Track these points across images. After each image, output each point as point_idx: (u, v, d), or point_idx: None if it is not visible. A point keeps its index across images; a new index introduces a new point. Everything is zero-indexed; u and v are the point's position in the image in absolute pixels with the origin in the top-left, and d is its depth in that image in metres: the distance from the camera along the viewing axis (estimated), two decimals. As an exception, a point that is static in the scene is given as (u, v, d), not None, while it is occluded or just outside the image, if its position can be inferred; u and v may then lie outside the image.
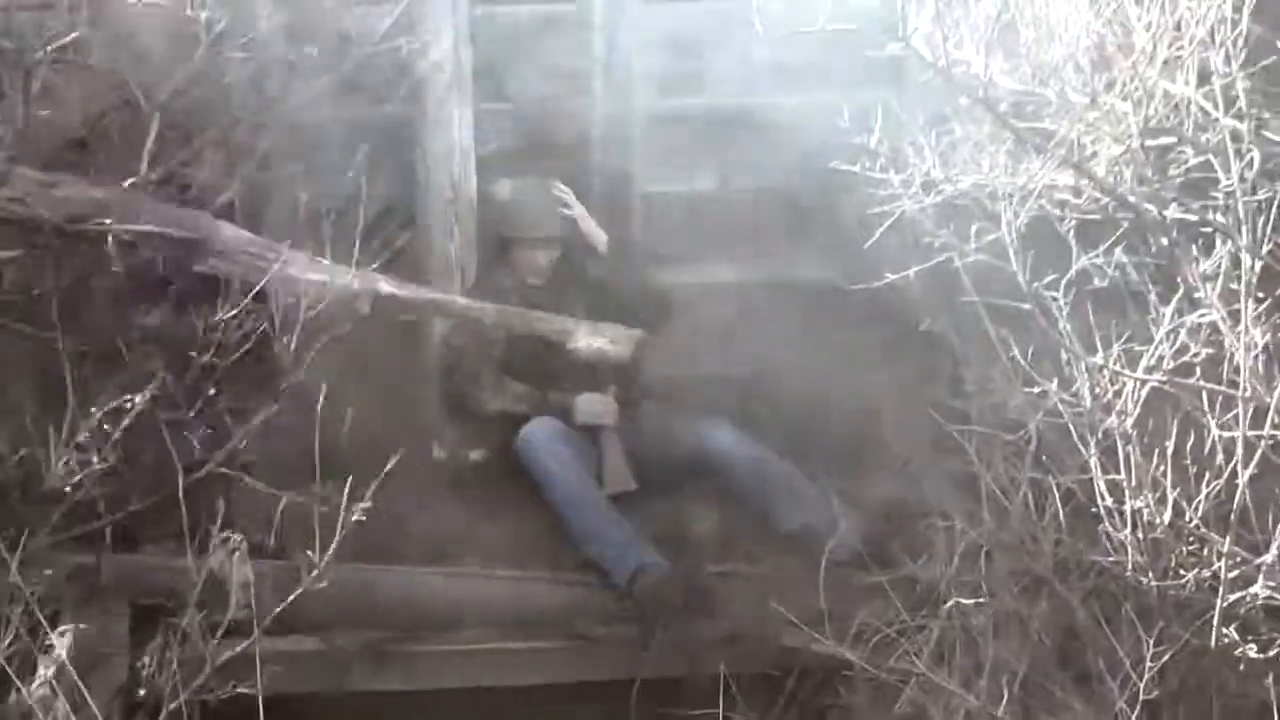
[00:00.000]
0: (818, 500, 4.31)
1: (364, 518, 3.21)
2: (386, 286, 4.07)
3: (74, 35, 3.50)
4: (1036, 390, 3.06)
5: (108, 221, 3.43)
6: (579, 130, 4.74)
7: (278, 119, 4.14)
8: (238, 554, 3.27)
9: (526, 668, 4.15)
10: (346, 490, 3.34)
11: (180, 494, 3.46)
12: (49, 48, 3.40)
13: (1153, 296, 2.77)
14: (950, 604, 3.26)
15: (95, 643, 3.83)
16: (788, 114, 4.63)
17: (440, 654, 4.13)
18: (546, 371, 4.37)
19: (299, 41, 4.12)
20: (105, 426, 3.03)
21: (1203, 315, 2.69)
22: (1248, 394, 2.49)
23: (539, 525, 4.30)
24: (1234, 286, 2.59)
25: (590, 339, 4.21)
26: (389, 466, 3.51)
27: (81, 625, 3.67)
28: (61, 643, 3.22)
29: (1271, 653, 2.68)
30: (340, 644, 4.03)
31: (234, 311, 3.48)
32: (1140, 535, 2.75)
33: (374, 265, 4.14)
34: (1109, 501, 2.88)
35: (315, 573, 3.10)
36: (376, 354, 4.34)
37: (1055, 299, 2.80)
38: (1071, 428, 2.92)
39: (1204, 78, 2.82)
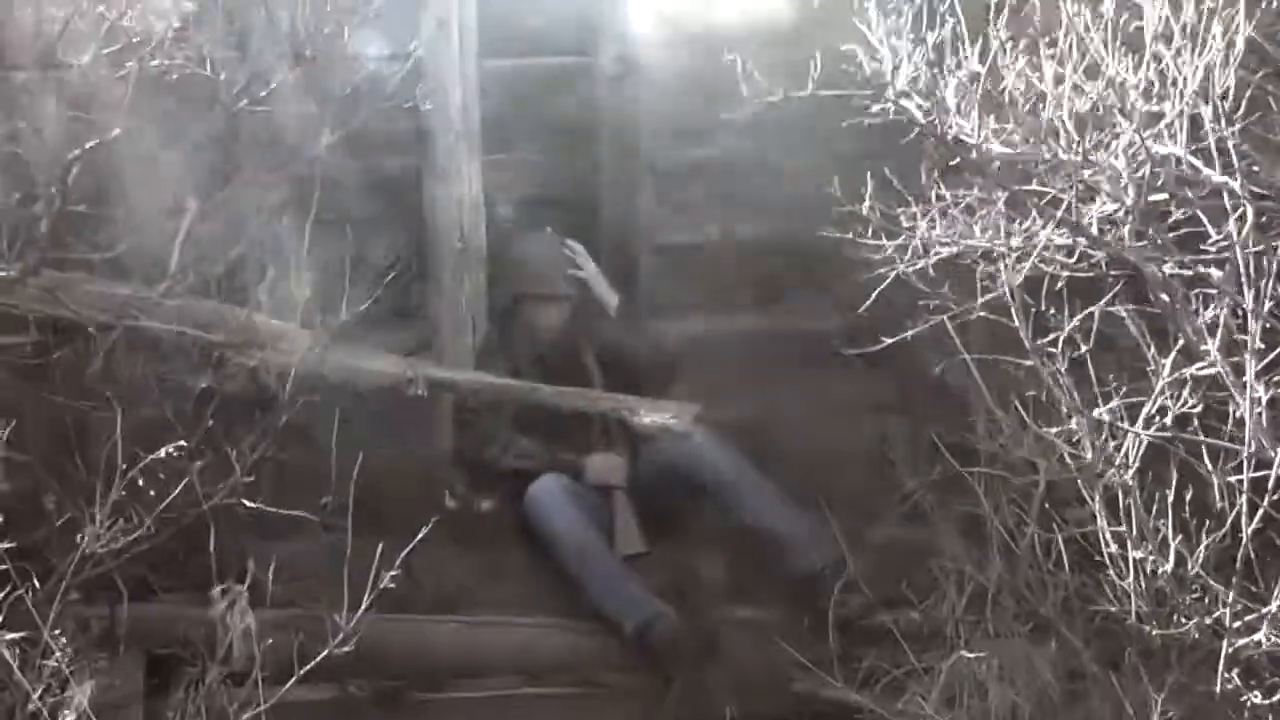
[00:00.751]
0: (825, 538, 4.29)
1: (393, 584, 3.22)
2: (437, 372, 4.24)
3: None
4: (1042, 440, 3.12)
5: (138, 319, 3.46)
6: (587, 182, 4.80)
7: (292, 174, 4.20)
8: (238, 604, 3.30)
9: (538, 715, 4.18)
10: (377, 549, 3.34)
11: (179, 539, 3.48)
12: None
13: (1152, 351, 2.81)
14: (958, 652, 3.29)
15: (110, 694, 3.88)
16: (788, 168, 4.72)
17: (452, 701, 4.16)
18: (557, 429, 4.42)
19: (312, 97, 4.17)
20: (140, 483, 3.04)
21: (1201, 368, 2.74)
22: (1252, 450, 2.54)
23: (549, 573, 4.34)
24: (1236, 338, 2.63)
25: (653, 415, 4.26)
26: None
27: (98, 676, 3.72)
28: (83, 692, 3.24)
29: (1276, 698, 2.71)
30: (353, 691, 4.06)
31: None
32: (1143, 584, 2.79)
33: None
34: (1113, 549, 2.91)
35: (342, 635, 3.07)
36: (390, 404, 4.42)
37: (1053, 354, 2.84)
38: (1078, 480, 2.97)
39: (1197, 130, 2.86)
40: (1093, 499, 2.91)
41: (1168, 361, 2.78)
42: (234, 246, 3.99)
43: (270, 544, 4.08)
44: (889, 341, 3.57)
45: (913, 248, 3.23)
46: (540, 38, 4.73)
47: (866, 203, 3.30)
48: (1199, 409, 2.76)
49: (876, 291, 3.41)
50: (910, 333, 3.57)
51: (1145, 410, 2.87)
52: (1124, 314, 2.82)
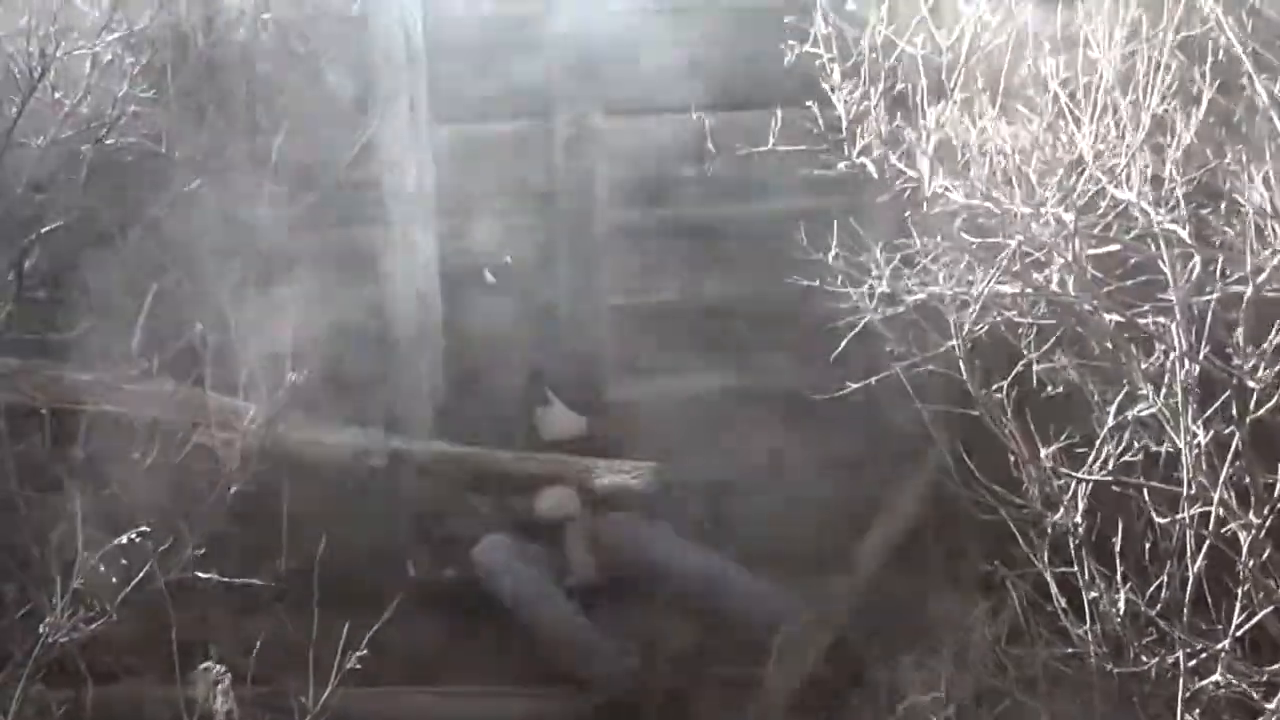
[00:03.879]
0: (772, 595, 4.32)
1: (359, 665, 3.20)
2: (397, 443, 4.28)
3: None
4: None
5: (97, 405, 3.46)
6: (544, 245, 4.82)
7: (247, 247, 4.20)
8: (220, 686, 3.27)
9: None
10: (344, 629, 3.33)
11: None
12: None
13: (1096, 397, 2.84)
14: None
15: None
16: (749, 224, 4.75)
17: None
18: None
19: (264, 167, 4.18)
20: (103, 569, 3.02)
21: (1143, 410, 2.77)
22: (1192, 491, 2.57)
23: (516, 638, 4.33)
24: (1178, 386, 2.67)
25: (612, 476, 4.28)
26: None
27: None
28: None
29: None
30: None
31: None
32: (1098, 627, 2.81)
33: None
34: (1063, 602, 2.94)
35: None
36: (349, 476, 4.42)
37: (1002, 403, 2.87)
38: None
39: (1150, 177, 2.90)
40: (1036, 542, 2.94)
41: (1111, 409, 2.81)
42: (193, 324, 3.99)
43: (235, 621, 4.09)
44: (854, 387, 3.58)
45: (879, 295, 3.25)
46: (493, 102, 4.74)
47: (832, 251, 3.32)
48: (1142, 454, 2.79)
49: (846, 340, 3.44)
50: (874, 378, 3.59)
51: (1091, 457, 2.90)
52: (1063, 363, 2.84)
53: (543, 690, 4.23)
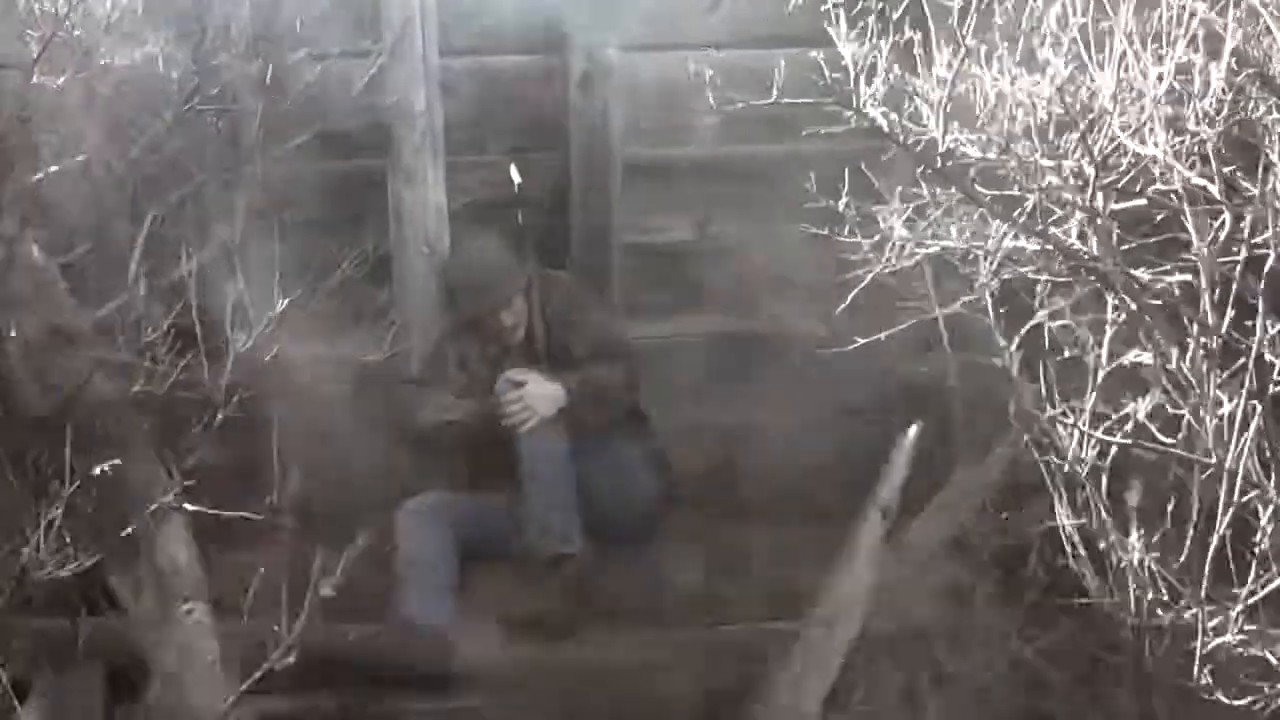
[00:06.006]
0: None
1: (332, 592, 3.15)
2: None
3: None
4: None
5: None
6: (556, 182, 4.74)
7: (251, 176, 4.13)
8: (201, 625, 3.23)
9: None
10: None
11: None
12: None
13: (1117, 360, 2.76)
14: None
15: (69, 710, 3.81)
16: (763, 164, 4.66)
17: (418, 713, 4.08)
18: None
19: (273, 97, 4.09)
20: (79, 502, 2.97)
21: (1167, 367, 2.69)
22: (1212, 460, 2.49)
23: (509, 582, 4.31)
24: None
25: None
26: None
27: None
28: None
29: (1247, 701, 2.67)
30: (314, 705, 3.99)
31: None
32: (1111, 578, 2.75)
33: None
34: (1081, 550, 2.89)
35: (281, 649, 2.99)
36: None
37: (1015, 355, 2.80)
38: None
39: (1176, 130, 2.80)
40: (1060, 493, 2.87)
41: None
42: (193, 251, 3.92)
43: (222, 552, 4.05)
44: (862, 341, 3.52)
45: (890, 247, 3.17)
46: (507, 36, 4.64)
47: (843, 200, 3.24)
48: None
49: (855, 292, 3.37)
50: (885, 333, 3.52)
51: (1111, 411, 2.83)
52: (1075, 324, 2.75)
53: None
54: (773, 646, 3.90)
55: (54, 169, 3.44)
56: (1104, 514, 2.79)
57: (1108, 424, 2.71)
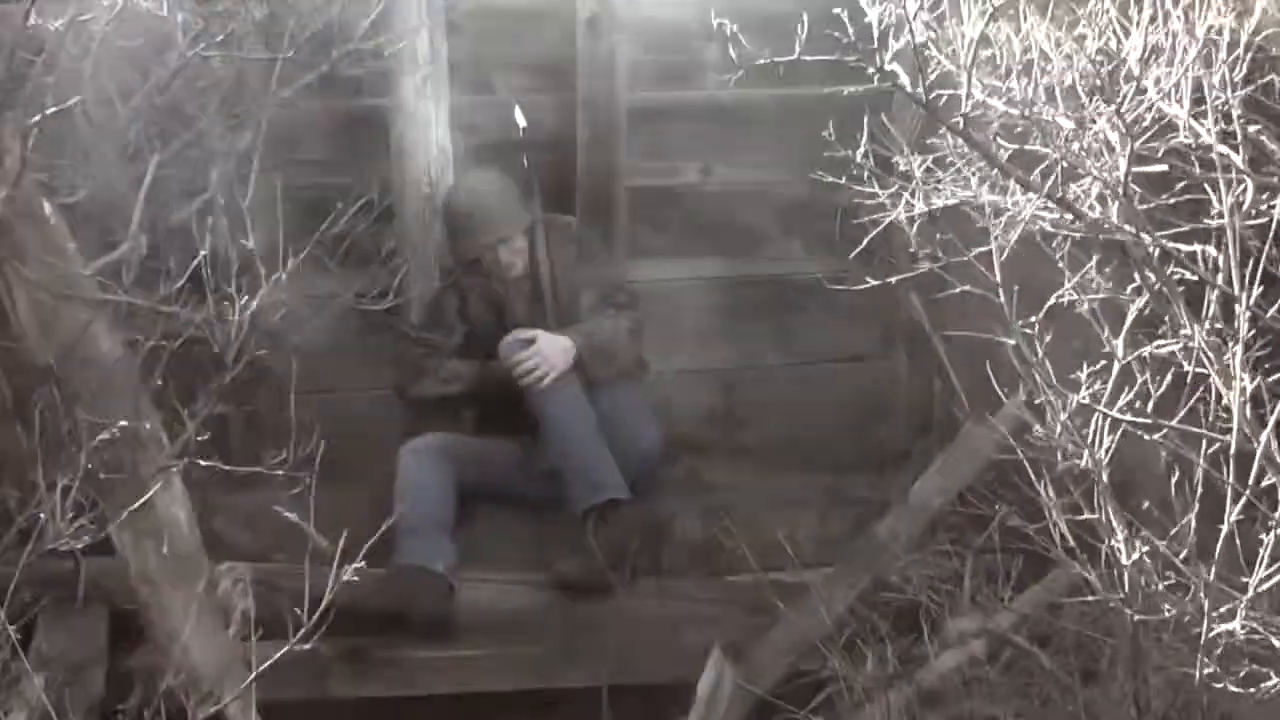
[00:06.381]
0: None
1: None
2: None
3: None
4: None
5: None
6: (561, 123, 4.68)
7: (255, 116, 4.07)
8: (240, 585, 3.22)
9: (505, 673, 4.14)
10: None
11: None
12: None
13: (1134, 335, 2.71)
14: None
15: (72, 653, 3.82)
16: (774, 108, 4.61)
17: (421, 660, 4.12)
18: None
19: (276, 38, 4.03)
20: (90, 466, 2.94)
21: (1188, 342, 2.65)
22: (1234, 440, 2.46)
23: (518, 529, 4.33)
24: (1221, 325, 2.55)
25: None
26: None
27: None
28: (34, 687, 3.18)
29: (1252, 691, 2.66)
30: (320, 649, 3.99)
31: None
32: (1115, 572, 2.72)
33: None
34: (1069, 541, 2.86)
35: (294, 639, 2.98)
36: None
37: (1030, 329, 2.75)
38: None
39: (1199, 99, 2.76)
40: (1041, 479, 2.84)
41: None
42: (196, 194, 3.88)
43: (237, 496, 4.05)
44: (873, 283, 3.47)
45: (906, 198, 3.12)
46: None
47: (861, 149, 3.18)
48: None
49: (869, 238, 3.32)
50: (897, 278, 3.48)
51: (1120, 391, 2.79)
52: (1087, 301, 2.71)
53: (541, 579, 4.21)
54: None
55: (52, 110, 3.36)
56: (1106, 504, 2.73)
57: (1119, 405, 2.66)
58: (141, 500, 3.13)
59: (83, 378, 3.22)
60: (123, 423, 3.00)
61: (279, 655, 2.87)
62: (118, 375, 3.30)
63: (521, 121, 4.52)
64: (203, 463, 3.34)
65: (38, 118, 3.27)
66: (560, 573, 4.16)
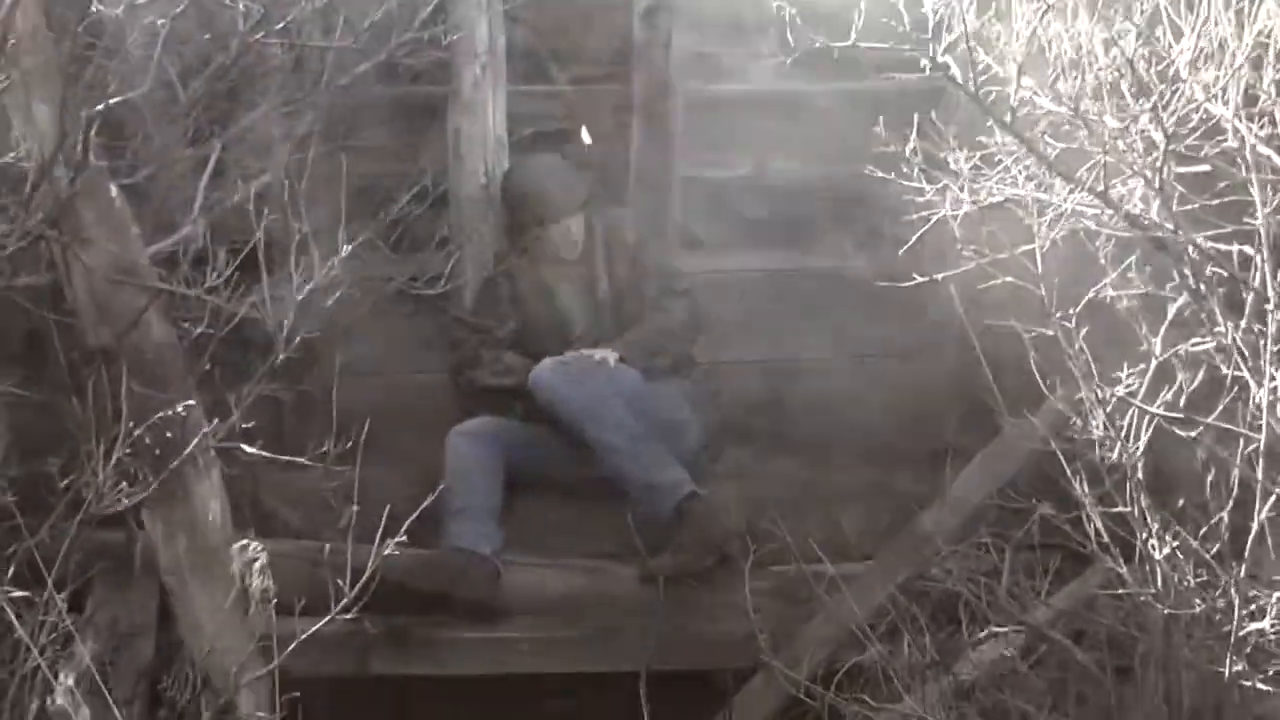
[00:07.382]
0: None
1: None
2: None
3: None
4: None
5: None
6: (617, 113, 4.72)
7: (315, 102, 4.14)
8: (258, 564, 3.27)
9: (547, 656, 4.18)
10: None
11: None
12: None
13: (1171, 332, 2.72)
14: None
15: (123, 622, 3.89)
16: (827, 102, 4.63)
17: (465, 640, 4.16)
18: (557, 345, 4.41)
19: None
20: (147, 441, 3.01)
21: (1220, 337, 2.64)
22: (1266, 437, 2.46)
23: (560, 512, 4.37)
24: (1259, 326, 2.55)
25: None
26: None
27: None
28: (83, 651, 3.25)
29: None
30: (366, 627, 4.05)
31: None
32: (1147, 567, 2.72)
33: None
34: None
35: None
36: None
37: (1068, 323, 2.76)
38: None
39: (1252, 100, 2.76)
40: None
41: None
42: (256, 178, 3.95)
43: (288, 473, 4.11)
44: (920, 280, 3.48)
45: (953, 195, 3.13)
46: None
47: (910, 144, 3.20)
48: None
49: (918, 234, 3.34)
50: (942, 275, 3.48)
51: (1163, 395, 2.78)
52: (1123, 298, 2.72)
53: (587, 563, 4.25)
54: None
55: (117, 99, 3.44)
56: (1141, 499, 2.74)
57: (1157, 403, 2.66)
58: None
59: (135, 360, 3.28)
60: (170, 411, 3.04)
61: (315, 629, 2.88)
62: (167, 359, 3.37)
63: (587, 139, 4.57)
64: (247, 449, 3.39)
65: (101, 106, 3.35)
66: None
